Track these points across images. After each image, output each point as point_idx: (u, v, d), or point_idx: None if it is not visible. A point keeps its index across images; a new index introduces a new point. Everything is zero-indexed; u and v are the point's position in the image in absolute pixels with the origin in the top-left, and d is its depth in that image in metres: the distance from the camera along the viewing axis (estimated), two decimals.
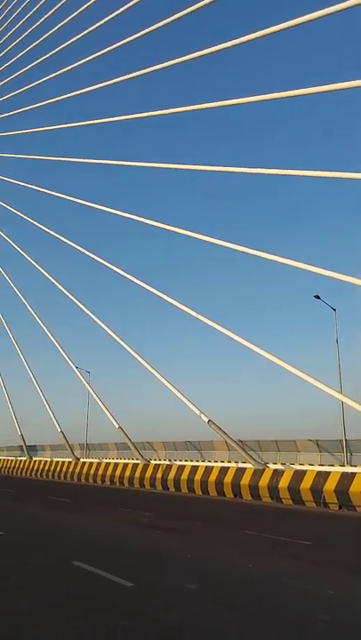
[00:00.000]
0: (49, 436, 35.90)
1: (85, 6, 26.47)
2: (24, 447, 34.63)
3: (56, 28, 29.53)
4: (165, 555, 7.88)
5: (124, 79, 24.10)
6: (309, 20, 15.10)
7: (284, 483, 15.92)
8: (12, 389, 35.66)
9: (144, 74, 22.76)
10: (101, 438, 42.88)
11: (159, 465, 22.20)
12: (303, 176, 16.71)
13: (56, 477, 28.51)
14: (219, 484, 18.24)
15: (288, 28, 15.74)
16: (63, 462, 29.22)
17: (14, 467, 34.31)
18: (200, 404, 20.49)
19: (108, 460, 27.47)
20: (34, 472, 31.36)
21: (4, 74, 36.28)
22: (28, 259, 31.38)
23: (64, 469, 28.38)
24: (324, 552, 8.64)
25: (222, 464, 20.71)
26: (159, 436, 41.34)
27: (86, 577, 6.23)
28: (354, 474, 14.33)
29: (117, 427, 24.51)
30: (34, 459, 33.72)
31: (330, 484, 14.55)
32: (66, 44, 28.52)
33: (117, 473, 23.84)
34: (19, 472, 33.14)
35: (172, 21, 20.88)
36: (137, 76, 23.18)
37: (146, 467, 22.51)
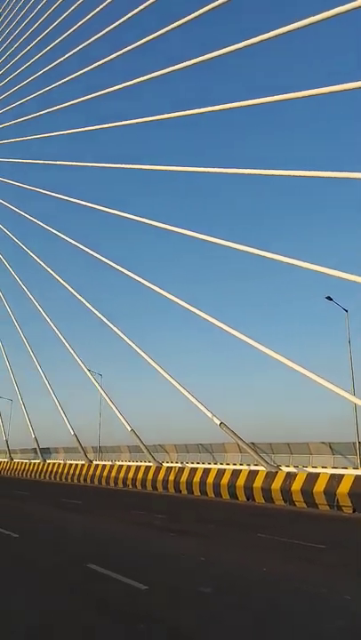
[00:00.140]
0: (62, 438, 36.20)
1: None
2: (38, 450, 34.88)
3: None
4: (179, 557, 7.90)
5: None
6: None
7: (297, 485, 15.84)
8: (26, 393, 36.06)
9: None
10: (114, 441, 43.08)
11: (171, 467, 22.22)
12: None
13: (69, 480, 28.66)
14: (231, 486, 18.20)
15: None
16: (76, 465, 29.36)
17: (28, 469, 34.56)
18: (212, 407, 20.51)
19: (120, 463, 27.54)
20: (47, 474, 31.55)
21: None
22: (40, 262, 31.72)
23: (77, 472, 28.52)
24: (339, 555, 8.58)
25: (235, 467, 20.68)
26: (171, 438, 41.40)
27: (101, 579, 6.27)
28: None
29: (130, 429, 24.60)
30: (47, 461, 33.92)
31: (344, 487, 14.44)
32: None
33: (130, 475, 23.91)
34: (32, 474, 33.36)
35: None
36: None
37: (158, 469, 22.54)
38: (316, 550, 8.82)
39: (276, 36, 16.37)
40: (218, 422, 19.94)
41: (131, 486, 23.39)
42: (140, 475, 23.28)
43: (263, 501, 16.73)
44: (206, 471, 20.01)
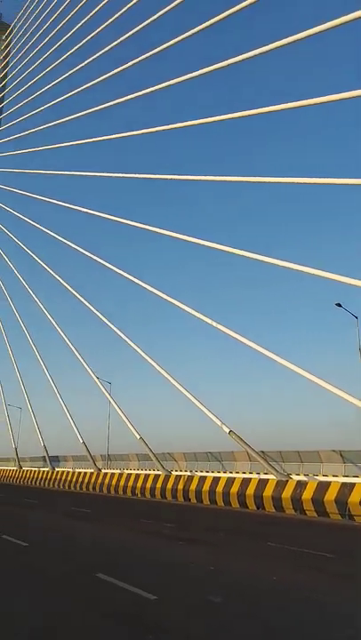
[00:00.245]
0: (71, 446, 36.19)
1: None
2: (47, 458, 34.92)
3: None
4: (188, 566, 7.86)
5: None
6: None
7: (307, 494, 15.70)
8: (35, 401, 36.17)
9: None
10: (122, 449, 42.97)
11: (180, 476, 22.13)
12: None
13: (78, 488, 28.64)
14: (241, 495, 18.08)
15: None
16: (85, 473, 29.34)
17: (37, 477, 34.59)
18: (221, 415, 20.42)
19: (129, 471, 27.49)
20: (56, 483, 31.56)
21: None
22: (49, 270, 31.99)
23: (86, 480, 28.50)
24: (349, 565, 8.49)
25: (244, 475, 20.55)
26: (180, 446, 41.24)
27: (110, 589, 6.25)
28: None
29: (138, 437, 24.56)
30: (56, 469, 33.94)
31: (355, 496, 14.28)
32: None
33: (139, 484, 23.83)
34: (41, 483, 33.39)
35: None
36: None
37: (167, 478, 22.45)
38: (326, 559, 8.73)
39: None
40: (227, 430, 19.86)
41: (140, 495, 23.31)
42: (148, 483, 23.20)
43: (274, 510, 16.59)
44: (216, 480, 19.90)
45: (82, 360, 28.95)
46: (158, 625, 4.99)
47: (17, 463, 40.20)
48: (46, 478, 33.10)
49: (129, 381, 62.44)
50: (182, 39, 21.84)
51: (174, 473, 23.52)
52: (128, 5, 26.26)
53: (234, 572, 7.54)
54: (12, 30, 49.56)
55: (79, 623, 5.05)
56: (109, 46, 27.82)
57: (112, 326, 26.53)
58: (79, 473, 30.06)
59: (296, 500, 15.94)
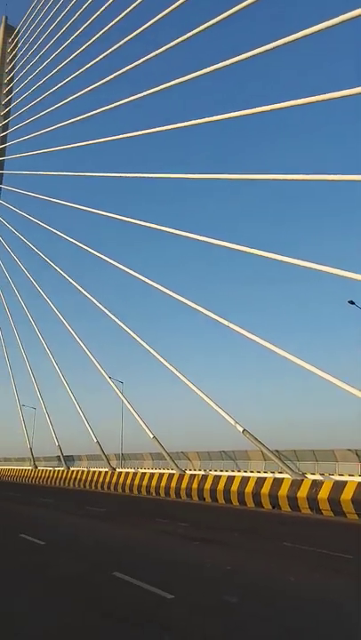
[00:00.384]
0: (85, 446, 36.42)
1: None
2: (61, 457, 35.18)
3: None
4: (204, 566, 7.85)
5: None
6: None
7: (323, 494, 15.58)
8: (49, 401, 36.47)
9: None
10: (136, 448, 43.10)
11: (195, 475, 22.12)
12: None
13: (92, 487, 28.80)
14: (256, 494, 18.01)
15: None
16: (100, 472, 29.50)
17: (52, 477, 34.87)
18: (235, 414, 20.37)
19: (143, 470, 27.56)
20: (71, 482, 31.78)
21: None
22: (64, 275, 32.19)
23: (100, 479, 28.65)
24: None
25: (259, 474, 20.46)
26: (193, 445, 41.24)
27: (126, 588, 6.27)
28: None
29: (152, 436, 24.61)
30: (71, 469, 34.18)
31: None
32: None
33: (153, 483, 23.88)
34: (56, 482, 33.65)
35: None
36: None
37: (181, 477, 22.46)
38: (342, 560, 8.65)
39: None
40: (241, 429, 19.79)
41: (154, 494, 23.36)
42: (163, 482, 23.24)
43: (289, 509, 16.50)
44: (230, 479, 19.85)
45: (94, 360, 29.13)
46: (175, 623, 5.00)
47: (32, 463, 40.57)
48: (61, 478, 33.34)
49: (142, 380, 62.69)
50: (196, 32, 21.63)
51: (188, 472, 23.53)
52: (134, 4, 26.33)
53: (250, 572, 7.51)
54: (17, 33, 49.97)
55: (94, 620, 5.07)
56: (118, 44, 27.90)
57: (123, 325, 26.60)
58: (94, 472, 30.23)
59: (312, 500, 15.83)
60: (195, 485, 21.13)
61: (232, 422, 20.06)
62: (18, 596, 5.99)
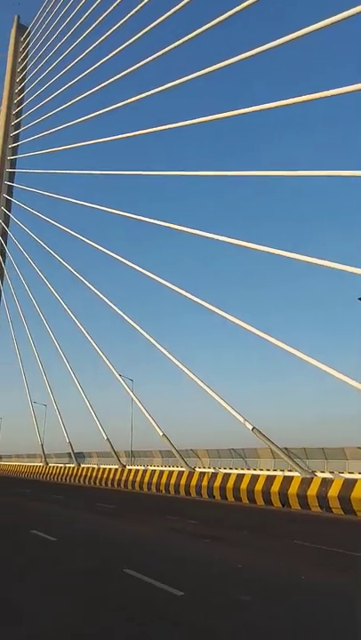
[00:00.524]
0: (95, 443, 36.60)
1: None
2: (72, 454, 35.41)
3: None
4: (215, 564, 7.87)
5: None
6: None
7: (333, 492, 15.53)
8: (60, 398, 36.70)
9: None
10: (146, 446, 43.26)
11: (204, 473, 22.16)
12: None
13: (103, 484, 28.96)
14: (266, 492, 18.01)
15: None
16: (110, 469, 29.66)
17: (63, 473, 35.12)
18: (244, 411, 20.36)
19: (153, 468, 27.66)
20: (81, 479, 31.99)
21: None
22: (76, 273, 32.35)
23: (110, 476, 28.80)
24: None
25: (268, 472, 20.44)
26: (203, 443, 41.28)
27: (137, 585, 6.31)
28: None
29: (162, 434, 24.69)
30: (81, 465, 34.39)
31: None
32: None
33: (163, 480, 23.96)
34: (67, 479, 33.89)
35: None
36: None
37: (191, 474, 22.51)
38: (353, 558, 8.63)
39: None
40: (250, 427, 19.78)
41: (164, 491, 23.44)
42: (172, 480, 23.31)
43: (299, 508, 16.47)
44: (240, 477, 19.85)
45: (104, 357, 29.27)
46: (186, 620, 5.02)
47: (43, 459, 40.89)
48: (72, 474, 33.57)
49: (151, 378, 62.83)
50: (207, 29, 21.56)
51: (198, 469, 23.57)
52: (143, 2, 26.31)
53: (260, 570, 7.52)
54: (29, 32, 50.20)
55: (106, 616, 5.11)
56: (128, 42, 27.92)
57: (133, 323, 26.68)
58: (104, 469, 30.40)
59: (322, 498, 15.79)
60: (204, 483, 21.17)
61: (241, 420, 20.06)
62: (29, 591, 6.06)
